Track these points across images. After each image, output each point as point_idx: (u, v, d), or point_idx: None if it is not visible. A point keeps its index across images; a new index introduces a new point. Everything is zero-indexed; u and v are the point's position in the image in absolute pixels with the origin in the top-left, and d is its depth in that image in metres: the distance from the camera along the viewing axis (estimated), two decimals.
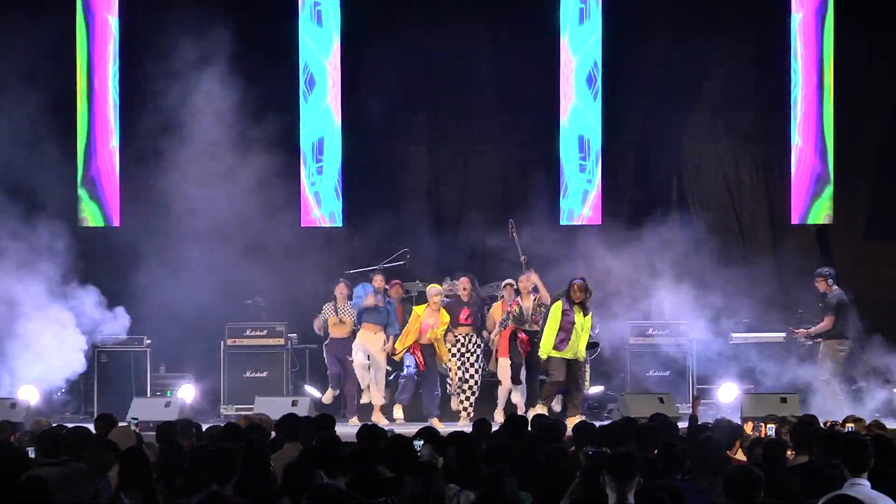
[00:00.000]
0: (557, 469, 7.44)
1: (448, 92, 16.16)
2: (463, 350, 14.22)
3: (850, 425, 10.09)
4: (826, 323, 14.45)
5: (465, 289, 14.24)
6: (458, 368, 14.16)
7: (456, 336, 14.19)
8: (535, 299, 14.12)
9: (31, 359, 14.80)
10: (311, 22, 15.99)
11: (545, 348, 13.66)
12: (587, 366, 14.18)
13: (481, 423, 9.62)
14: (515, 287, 14.28)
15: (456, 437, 8.16)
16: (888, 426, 10.36)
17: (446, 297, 14.33)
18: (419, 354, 14.16)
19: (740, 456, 8.73)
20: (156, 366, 15.24)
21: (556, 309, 13.66)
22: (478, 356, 14.25)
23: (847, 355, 14.51)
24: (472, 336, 14.23)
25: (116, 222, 15.82)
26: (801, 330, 14.79)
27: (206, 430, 9.42)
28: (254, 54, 15.64)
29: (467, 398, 14.17)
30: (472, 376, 14.18)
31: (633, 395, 14.16)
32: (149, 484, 6.94)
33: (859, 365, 15.01)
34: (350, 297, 14.59)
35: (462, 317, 14.21)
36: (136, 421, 10.52)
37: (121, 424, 9.84)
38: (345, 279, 14.73)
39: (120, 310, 14.93)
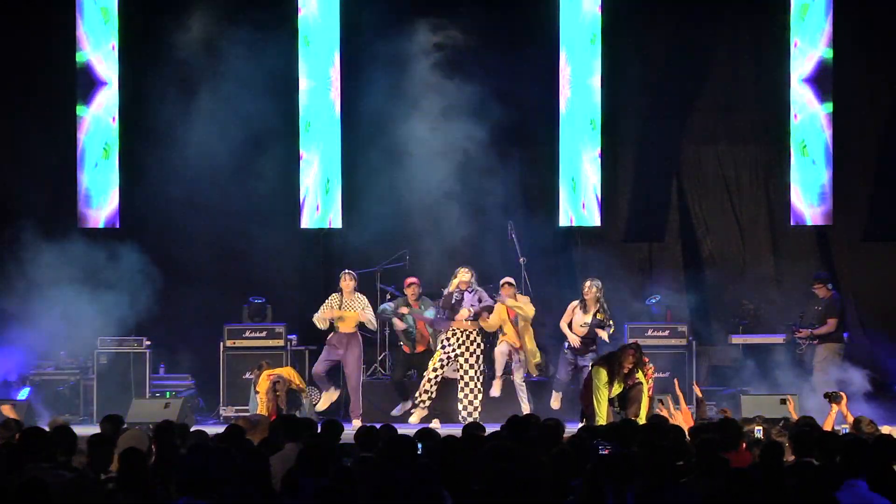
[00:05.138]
0: (560, 470, 7.43)
1: (448, 92, 16.14)
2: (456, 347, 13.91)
3: (845, 426, 10.12)
4: (830, 325, 14.57)
5: (463, 280, 13.84)
6: (448, 367, 13.87)
7: (452, 330, 13.94)
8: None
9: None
10: (310, 23, 15.99)
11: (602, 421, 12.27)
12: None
13: (471, 426, 9.60)
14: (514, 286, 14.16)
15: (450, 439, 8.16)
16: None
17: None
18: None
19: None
20: (155, 366, 15.26)
21: (601, 380, 12.44)
22: (477, 355, 13.96)
23: (843, 357, 14.65)
24: (470, 333, 13.94)
25: (116, 223, 15.81)
26: (804, 330, 14.80)
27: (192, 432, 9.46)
28: (253, 60, 15.68)
29: (471, 398, 13.95)
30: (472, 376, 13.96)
31: None
32: (147, 485, 6.94)
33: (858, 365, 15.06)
34: (357, 290, 14.24)
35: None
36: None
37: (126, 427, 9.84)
38: (350, 272, 14.31)
39: None
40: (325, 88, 15.98)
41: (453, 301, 13.85)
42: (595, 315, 13.75)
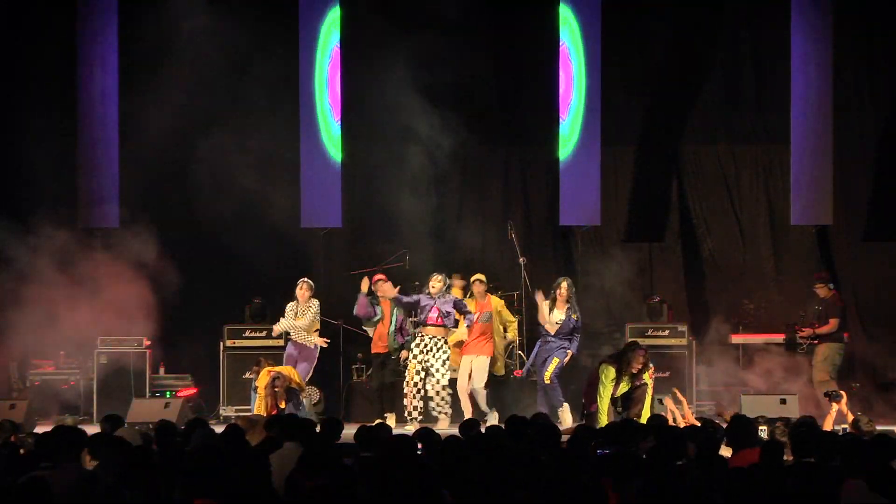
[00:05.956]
0: (560, 470, 7.43)
1: (448, 92, 16.15)
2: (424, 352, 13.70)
3: (844, 426, 10.13)
4: (832, 325, 14.57)
5: (433, 287, 13.70)
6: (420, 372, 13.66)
7: (422, 336, 13.75)
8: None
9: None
10: (311, 23, 15.99)
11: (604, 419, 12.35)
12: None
13: (468, 424, 9.59)
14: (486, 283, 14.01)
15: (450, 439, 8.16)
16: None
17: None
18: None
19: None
20: (155, 366, 15.27)
21: (608, 377, 12.50)
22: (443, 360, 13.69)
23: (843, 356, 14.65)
24: (438, 340, 13.68)
25: (116, 223, 15.81)
26: (807, 329, 14.80)
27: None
28: (255, 61, 15.68)
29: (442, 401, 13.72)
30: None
31: None
32: (154, 483, 6.94)
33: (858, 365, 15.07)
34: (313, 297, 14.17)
35: (433, 316, 13.69)
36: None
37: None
38: (307, 280, 14.25)
39: None
40: (325, 86, 15.98)
41: (420, 307, 13.77)
42: (567, 312, 13.54)
